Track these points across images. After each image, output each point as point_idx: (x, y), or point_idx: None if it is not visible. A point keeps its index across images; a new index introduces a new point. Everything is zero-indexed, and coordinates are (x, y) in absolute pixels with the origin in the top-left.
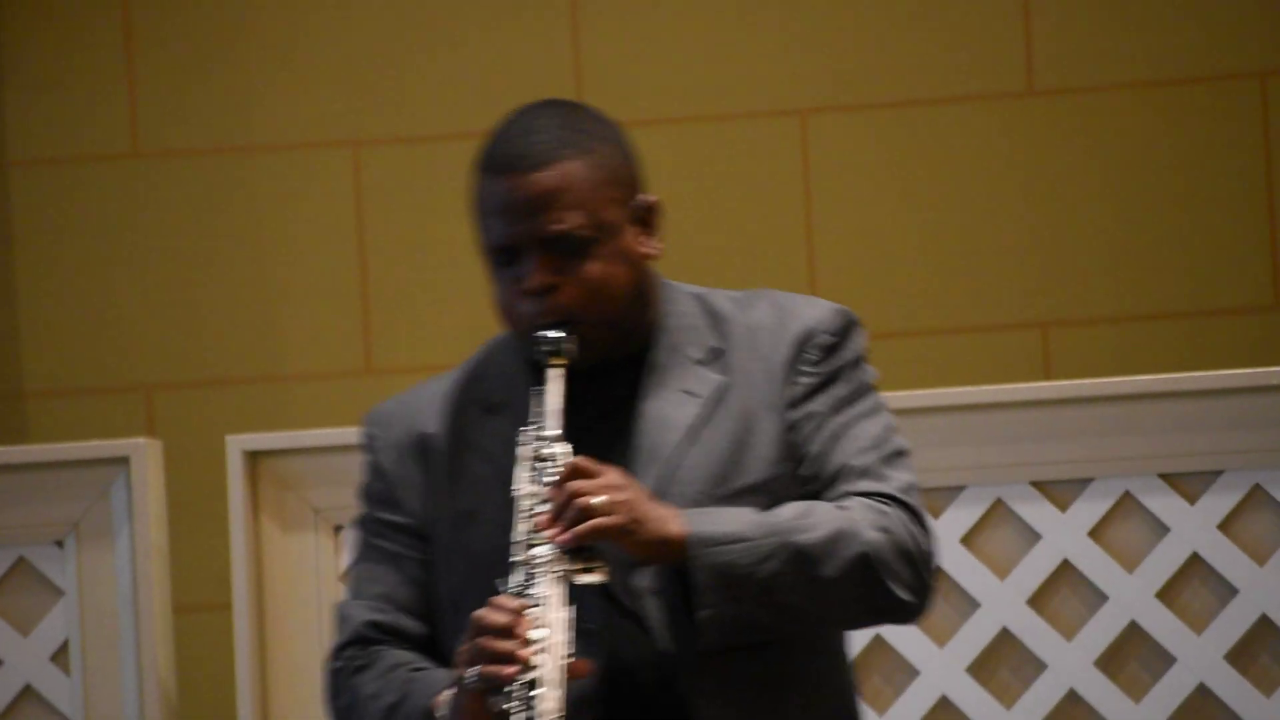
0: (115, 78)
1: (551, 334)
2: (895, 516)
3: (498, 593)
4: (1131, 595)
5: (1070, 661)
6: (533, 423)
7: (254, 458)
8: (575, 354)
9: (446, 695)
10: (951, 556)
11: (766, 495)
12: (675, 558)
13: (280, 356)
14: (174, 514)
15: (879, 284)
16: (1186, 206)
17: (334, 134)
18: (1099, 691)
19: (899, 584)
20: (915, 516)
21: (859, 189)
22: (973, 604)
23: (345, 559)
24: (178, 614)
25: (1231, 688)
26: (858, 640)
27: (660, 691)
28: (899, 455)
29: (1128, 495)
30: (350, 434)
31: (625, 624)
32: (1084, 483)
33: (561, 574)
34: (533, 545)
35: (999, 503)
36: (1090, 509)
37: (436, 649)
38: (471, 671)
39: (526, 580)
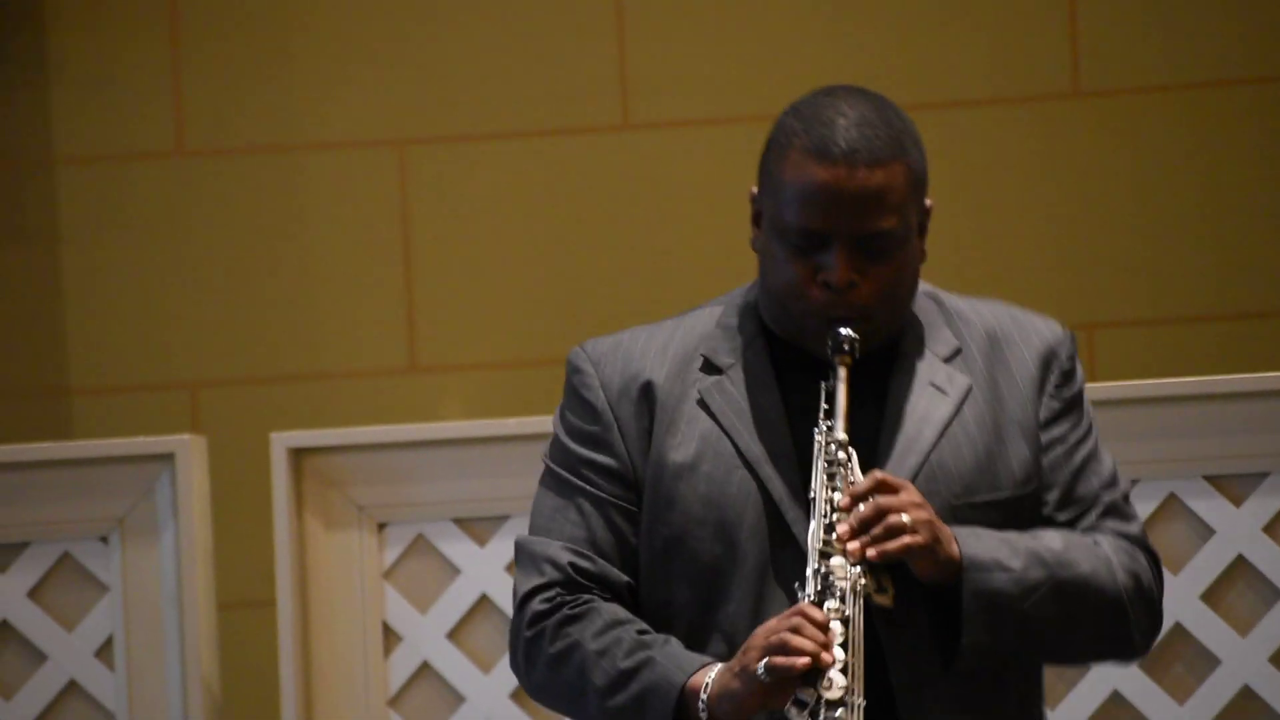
0: (162, 76)
1: (845, 331)
2: (1142, 562)
3: (713, 554)
4: (1176, 597)
5: None
6: (823, 423)
7: (298, 455)
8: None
9: (711, 677)
10: None
11: (1010, 513)
12: (949, 580)
13: (325, 354)
14: (218, 510)
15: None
16: (1231, 208)
17: (379, 133)
18: (1143, 693)
19: (1138, 630)
20: (1155, 563)
21: None
22: None
23: (388, 556)
24: (221, 610)
25: (1276, 690)
26: None
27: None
28: (1128, 493)
29: (1173, 497)
30: (393, 432)
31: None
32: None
33: (862, 591)
34: (828, 554)
35: None
36: (1138, 510)
37: (635, 597)
38: (765, 665)
39: (822, 591)
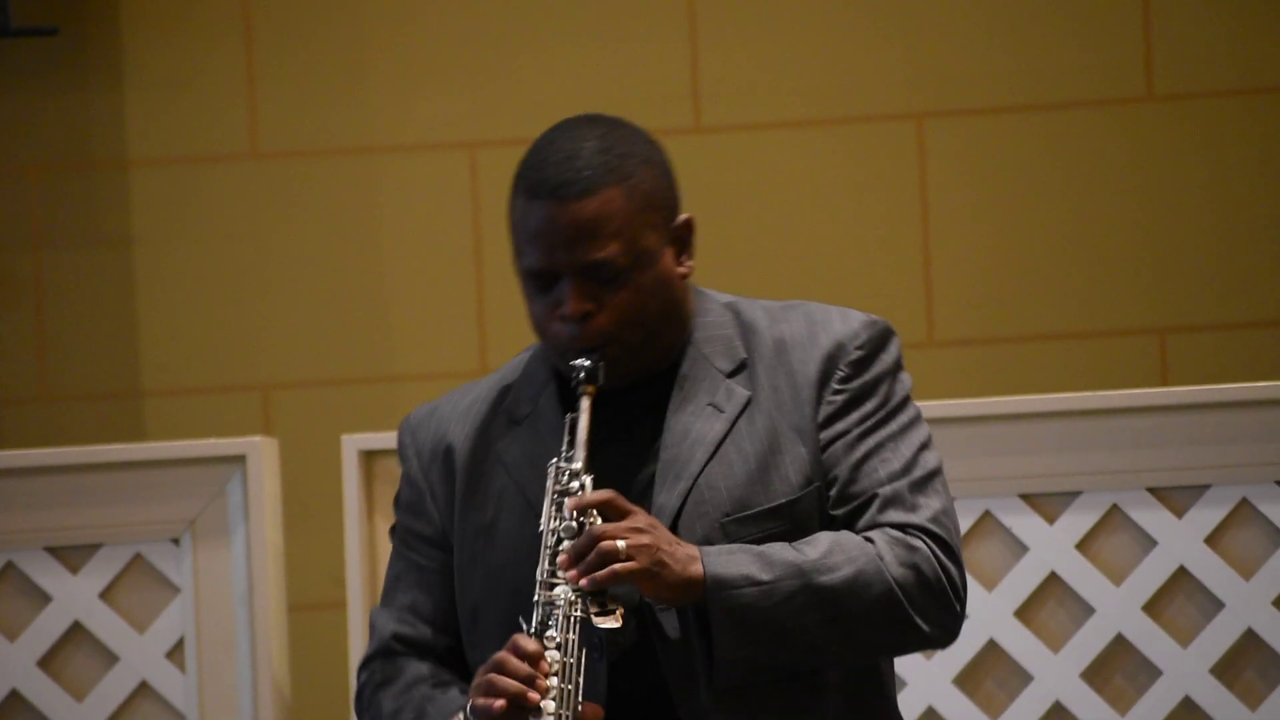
0: (235, 79)
1: (584, 361)
2: (923, 551)
3: (516, 613)
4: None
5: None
6: (563, 453)
7: (369, 457)
8: (604, 381)
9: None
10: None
11: (787, 519)
12: (697, 600)
13: (396, 356)
14: (289, 512)
15: (996, 289)
16: None
17: (452, 136)
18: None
19: (925, 619)
20: (945, 546)
21: (976, 193)
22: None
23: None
24: (292, 612)
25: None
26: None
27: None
28: (930, 478)
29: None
30: None
31: (643, 656)
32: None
33: (579, 617)
34: (553, 584)
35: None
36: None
37: (459, 659)
38: (479, 704)
39: (545, 620)
